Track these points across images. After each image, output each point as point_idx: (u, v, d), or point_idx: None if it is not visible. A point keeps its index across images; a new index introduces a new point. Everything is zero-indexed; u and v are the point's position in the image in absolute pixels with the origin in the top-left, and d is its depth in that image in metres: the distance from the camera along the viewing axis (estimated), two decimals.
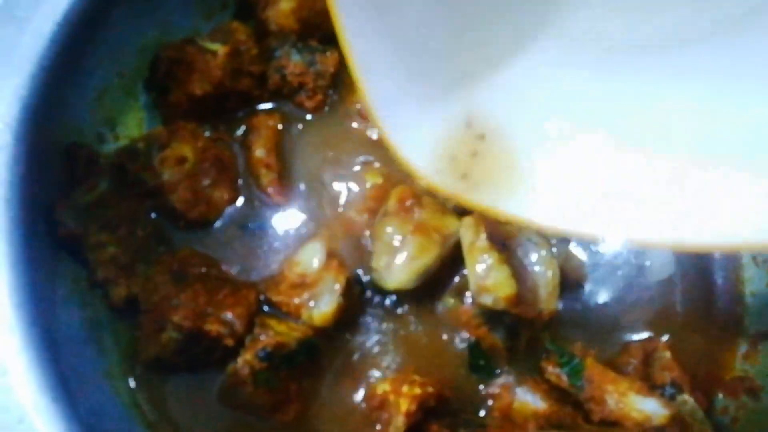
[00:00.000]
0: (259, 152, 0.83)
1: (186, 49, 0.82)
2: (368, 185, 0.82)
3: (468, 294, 0.76)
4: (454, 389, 0.75)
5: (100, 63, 0.78)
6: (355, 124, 0.87)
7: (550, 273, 0.73)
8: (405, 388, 0.69)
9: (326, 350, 0.74)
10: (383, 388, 0.71)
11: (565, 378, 0.73)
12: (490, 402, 0.75)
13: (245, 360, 0.67)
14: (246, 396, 0.67)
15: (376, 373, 0.75)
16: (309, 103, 0.87)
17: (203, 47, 0.82)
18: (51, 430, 0.55)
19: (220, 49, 0.82)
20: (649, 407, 0.70)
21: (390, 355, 0.77)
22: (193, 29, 0.88)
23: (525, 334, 0.77)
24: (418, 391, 0.69)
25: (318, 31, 0.91)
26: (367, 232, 0.79)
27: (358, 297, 0.76)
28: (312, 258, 0.76)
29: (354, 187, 0.83)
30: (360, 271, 0.77)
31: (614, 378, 0.72)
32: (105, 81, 0.80)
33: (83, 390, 0.62)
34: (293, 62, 0.86)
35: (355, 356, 0.76)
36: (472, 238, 0.73)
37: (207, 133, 0.83)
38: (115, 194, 0.74)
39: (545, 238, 0.77)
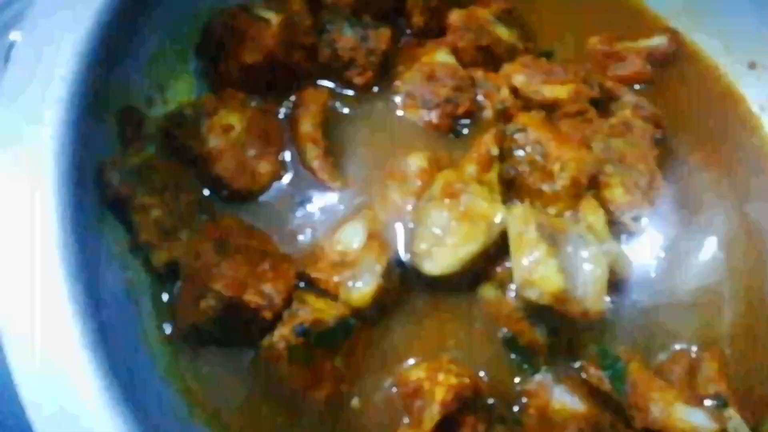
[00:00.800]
0: (306, 127, 0.81)
1: (239, 16, 0.81)
2: (413, 168, 0.80)
3: (511, 286, 0.73)
4: (488, 382, 0.73)
5: (156, 26, 0.77)
6: (400, 112, 0.85)
7: (599, 271, 0.70)
8: (441, 377, 0.68)
9: (361, 331, 0.73)
10: (417, 374, 0.69)
11: (607, 381, 0.71)
12: (524, 399, 0.73)
13: (282, 334, 0.66)
14: (279, 372, 0.66)
15: (410, 359, 0.74)
16: (358, 79, 0.85)
17: (257, 15, 0.80)
18: (89, 387, 0.55)
19: (274, 17, 0.80)
20: (696, 419, 0.67)
21: (425, 341, 0.75)
22: None
23: (567, 332, 0.74)
24: (454, 380, 0.67)
25: (372, 7, 0.89)
26: (411, 215, 0.77)
27: (399, 280, 0.74)
28: (353, 237, 0.75)
29: (398, 169, 0.81)
30: (401, 255, 0.75)
31: (661, 386, 0.69)
32: (158, 44, 0.79)
33: (120, 350, 0.62)
34: (345, 37, 0.84)
35: (390, 340, 0.74)
36: (520, 228, 0.70)
37: (254, 104, 0.82)
38: (162, 159, 0.74)
39: (596, 234, 0.74)
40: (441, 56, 0.88)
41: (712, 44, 0.99)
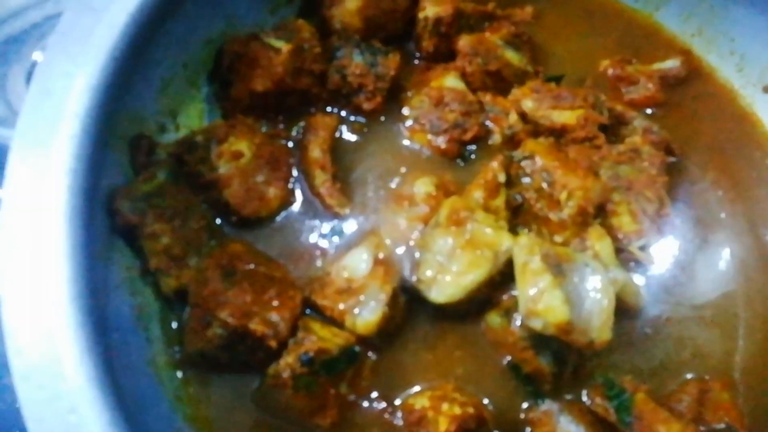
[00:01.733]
0: (315, 152, 0.82)
1: (250, 44, 0.82)
2: (420, 193, 0.81)
3: (516, 315, 0.73)
4: (493, 411, 0.73)
5: (167, 54, 0.79)
6: (408, 138, 0.86)
7: (605, 301, 0.70)
8: (445, 406, 0.68)
9: (366, 358, 0.73)
10: (422, 403, 0.70)
11: (612, 412, 0.70)
12: (529, 429, 0.73)
13: (287, 363, 0.67)
14: (285, 399, 0.67)
15: (415, 387, 0.74)
16: (367, 105, 0.86)
17: (267, 43, 0.82)
18: (95, 416, 0.56)
19: (284, 46, 0.82)
20: None
21: (430, 368, 0.75)
22: (257, 23, 0.89)
23: (572, 360, 0.74)
24: (458, 411, 0.67)
25: (382, 32, 0.90)
26: (417, 242, 0.77)
27: (404, 307, 0.75)
28: (359, 264, 0.75)
29: (405, 194, 0.82)
30: (406, 281, 0.76)
31: (666, 418, 0.68)
32: (170, 71, 0.81)
33: (128, 377, 0.64)
34: (355, 63, 0.85)
35: (395, 366, 0.75)
36: (525, 258, 0.70)
37: (263, 129, 0.84)
38: (173, 185, 0.75)
39: (603, 262, 0.74)
40: (450, 81, 0.88)
41: (726, 67, 0.98)
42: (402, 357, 0.75)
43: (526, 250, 0.70)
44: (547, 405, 0.73)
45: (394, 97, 0.88)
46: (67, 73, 0.66)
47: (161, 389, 0.68)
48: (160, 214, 0.72)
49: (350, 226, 0.80)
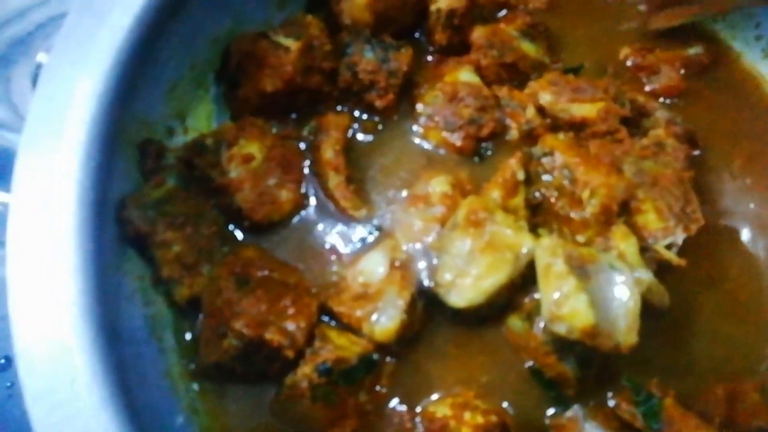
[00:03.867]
0: (327, 154, 0.80)
1: (258, 43, 0.80)
2: (436, 193, 0.78)
3: (539, 318, 0.71)
4: (516, 417, 0.71)
5: (173, 55, 0.77)
6: (421, 136, 0.83)
7: (631, 303, 0.67)
8: (467, 415, 0.66)
9: (385, 366, 0.72)
10: (443, 411, 0.68)
11: (640, 418, 0.68)
12: None
13: (304, 373, 0.65)
14: (302, 410, 0.66)
15: (435, 394, 0.72)
16: (379, 103, 0.83)
17: (276, 42, 0.79)
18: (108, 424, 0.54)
19: (293, 44, 0.79)
20: None
21: (451, 375, 0.73)
22: (265, 20, 0.86)
23: (597, 364, 0.72)
24: (480, 420, 0.65)
25: (393, 25, 0.87)
26: (434, 244, 0.75)
27: (422, 312, 0.73)
28: (376, 268, 0.73)
29: (421, 194, 0.79)
30: (424, 285, 0.74)
31: (697, 424, 0.66)
32: (177, 73, 0.79)
33: (143, 391, 0.62)
34: (366, 59, 0.82)
35: (415, 373, 0.73)
36: (548, 260, 0.68)
37: (274, 130, 0.81)
38: (183, 191, 0.74)
39: (628, 263, 0.71)
40: (464, 75, 0.85)
41: (751, 51, 0.95)
42: (421, 363, 0.73)
43: (548, 252, 0.68)
44: (572, 411, 0.71)
45: (406, 93, 0.85)
46: (71, 79, 0.64)
47: (177, 402, 0.67)
48: (170, 221, 0.70)
49: (365, 228, 0.78)
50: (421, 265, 0.74)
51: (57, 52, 0.67)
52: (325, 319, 0.72)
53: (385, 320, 0.69)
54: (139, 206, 0.68)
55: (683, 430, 0.66)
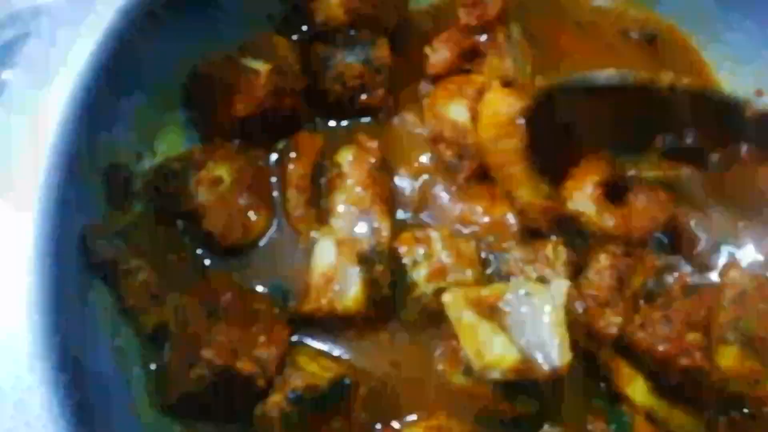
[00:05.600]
0: (294, 174, 0.80)
1: (227, 67, 0.79)
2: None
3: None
4: None
5: (140, 81, 0.76)
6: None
7: (553, 317, 0.64)
8: None
9: (357, 390, 0.71)
10: None
11: None
12: None
13: (274, 402, 0.64)
14: None
15: (409, 416, 0.72)
16: (372, 100, 0.84)
17: (245, 66, 0.79)
18: None
19: (262, 67, 0.78)
20: None
21: (423, 396, 0.73)
22: (235, 40, 0.85)
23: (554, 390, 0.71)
24: None
25: (373, 25, 0.86)
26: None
27: (385, 272, 0.73)
28: (326, 254, 0.74)
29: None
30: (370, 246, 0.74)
31: None
32: (145, 98, 0.77)
33: (109, 423, 0.61)
34: (350, 65, 0.82)
35: (386, 396, 0.72)
36: (456, 315, 0.66)
37: (244, 151, 0.81)
38: (150, 217, 0.73)
39: (539, 281, 0.71)
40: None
41: None
42: (395, 386, 0.73)
43: (453, 308, 0.66)
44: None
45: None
46: (34, 104, 0.63)
47: None
48: (136, 249, 0.69)
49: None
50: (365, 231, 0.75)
51: (19, 75, 0.66)
52: (297, 339, 0.72)
53: (349, 287, 0.71)
54: (104, 234, 0.67)
55: None
